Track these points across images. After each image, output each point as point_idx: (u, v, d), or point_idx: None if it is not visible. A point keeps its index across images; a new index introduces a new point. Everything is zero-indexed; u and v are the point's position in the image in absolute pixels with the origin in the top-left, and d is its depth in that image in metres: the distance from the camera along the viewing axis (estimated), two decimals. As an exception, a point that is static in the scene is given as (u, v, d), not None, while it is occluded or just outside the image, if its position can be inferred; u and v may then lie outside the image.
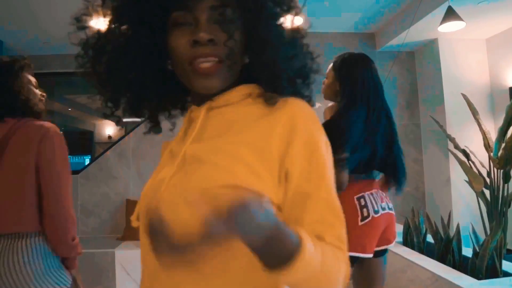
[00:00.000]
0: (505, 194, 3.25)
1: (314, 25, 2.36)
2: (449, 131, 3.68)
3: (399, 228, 2.21)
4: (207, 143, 0.61)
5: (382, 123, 1.65)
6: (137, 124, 3.76)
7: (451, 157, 3.68)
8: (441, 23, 2.76)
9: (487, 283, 2.01)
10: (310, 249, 0.48)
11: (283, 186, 0.58)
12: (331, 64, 1.80)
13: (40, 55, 3.91)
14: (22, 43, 3.60)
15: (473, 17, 3.35)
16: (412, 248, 2.80)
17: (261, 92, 0.65)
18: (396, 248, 2.78)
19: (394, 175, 1.70)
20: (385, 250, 1.72)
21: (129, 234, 3.45)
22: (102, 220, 3.70)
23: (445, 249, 2.49)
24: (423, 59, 4.22)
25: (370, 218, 1.56)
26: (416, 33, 3.73)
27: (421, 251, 2.72)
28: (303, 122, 0.59)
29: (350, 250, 1.20)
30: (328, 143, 0.62)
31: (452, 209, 3.61)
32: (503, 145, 3.30)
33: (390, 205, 1.68)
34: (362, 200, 1.57)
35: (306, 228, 0.53)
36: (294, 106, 0.61)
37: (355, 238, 1.50)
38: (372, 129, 1.60)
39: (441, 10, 3.03)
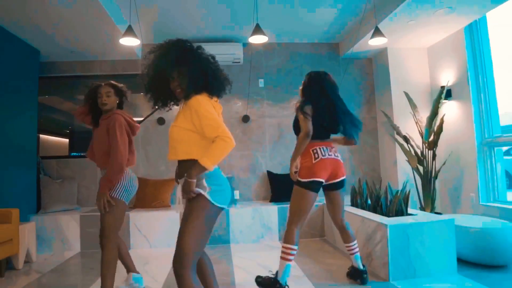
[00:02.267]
0: (434, 169, 4.19)
1: (289, 37, 3.64)
2: (395, 122, 4.63)
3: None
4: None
5: (322, 108, 2.58)
6: (144, 118, 4.68)
7: (397, 143, 4.61)
8: (371, 38, 3.71)
9: (391, 219, 2.93)
10: (203, 159, 1.59)
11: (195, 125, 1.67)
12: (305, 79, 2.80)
13: (67, 61, 4.84)
14: (54, 52, 4.50)
15: (409, 31, 4.30)
16: (357, 207, 3.71)
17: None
18: (346, 208, 3.69)
19: (345, 133, 2.66)
20: (339, 185, 2.62)
21: (138, 204, 4.34)
22: (117, 194, 4.60)
23: (376, 204, 3.40)
24: (377, 65, 5.17)
25: (319, 159, 2.51)
26: (370, 43, 4.67)
27: (363, 209, 3.63)
28: (194, 104, 1.66)
29: (310, 177, 2.24)
30: (202, 109, 1.66)
31: (398, 183, 4.55)
32: (433, 132, 4.25)
33: (337, 155, 2.62)
34: (315, 150, 2.54)
35: (208, 137, 1.64)
36: (192, 99, 1.69)
37: (312, 170, 2.49)
38: (317, 113, 2.56)
39: (381, 25, 3.95)
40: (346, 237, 2.69)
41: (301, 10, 4.19)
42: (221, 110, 1.83)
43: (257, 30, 3.33)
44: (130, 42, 3.46)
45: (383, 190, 3.46)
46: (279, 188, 4.61)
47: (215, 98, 1.77)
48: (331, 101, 2.64)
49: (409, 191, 3.25)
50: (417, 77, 4.88)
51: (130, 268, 2.66)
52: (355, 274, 2.71)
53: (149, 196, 4.35)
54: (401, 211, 3.08)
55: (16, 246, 3.22)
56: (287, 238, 2.49)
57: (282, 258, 2.48)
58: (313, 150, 2.53)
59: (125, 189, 2.35)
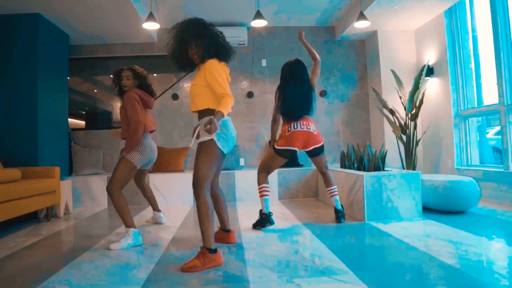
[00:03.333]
0: (415, 137, 4.76)
1: (290, 21, 4.37)
2: (383, 97, 5.18)
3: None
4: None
5: (290, 93, 3.17)
6: (161, 94, 5.29)
7: (384, 115, 5.17)
8: (356, 21, 4.26)
9: (369, 172, 3.52)
10: (220, 107, 2.13)
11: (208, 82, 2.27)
12: None
13: (91, 44, 5.45)
14: (79, 36, 5.11)
15: (395, 16, 4.81)
16: (345, 168, 4.31)
17: None
18: (336, 169, 4.30)
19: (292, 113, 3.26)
20: (314, 152, 3.21)
21: (156, 169, 5.00)
22: (137, 161, 5.26)
23: (360, 164, 4.00)
24: (369, 46, 5.69)
25: (291, 131, 3.10)
26: (356, 26, 5.20)
27: (350, 169, 4.22)
28: (208, 65, 2.26)
29: (283, 145, 2.89)
30: (213, 70, 2.25)
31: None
32: (415, 105, 4.80)
33: (309, 127, 3.20)
34: (288, 125, 3.14)
35: (216, 93, 2.23)
36: (207, 62, 2.29)
37: (287, 140, 3.08)
38: (286, 98, 3.15)
39: (369, 10, 4.48)
40: (327, 183, 3.30)
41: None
42: (228, 71, 2.41)
43: (258, 15, 3.89)
44: (151, 26, 4.06)
45: (366, 152, 4.05)
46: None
47: (223, 63, 2.35)
48: (298, 86, 3.20)
49: (386, 151, 3.84)
50: (404, 57, 5.40)
51: (155, 207, 3.37)
52: (334, 215, 3.34)
53: (165, 162, 5.00)
54: (379, 168, 3.68)
55: (58, 197, 3.90)
56: (259, 180, 3.22)
57: (260, 196, 3.19)
58: (288, 127, 3.15)
59: (139, 154, 2.91)
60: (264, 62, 5.61)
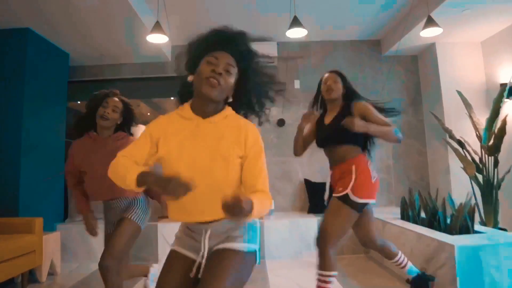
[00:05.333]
0: (496, 178, 3.67)
1: (326, 35, 3.18)
2: (447, 125, 4.14)
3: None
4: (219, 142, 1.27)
5: None
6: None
7: (450, 148, 4.12)
8: (423, 29, 3.28)
9: (456, 237, 2.49)
10: (256, 202, 1.09)
11: (244, 158, 1.27)
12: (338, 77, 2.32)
13: (97, 65, 4.73)
14: (83, 56, 4.39)
15: (463, 23, 3.84)
16: (408, 221, 3.27)
17: (232, 113, 1.35)
18: (395, 221, 3.28)
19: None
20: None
21: (167, 214, 4.11)
22: (145, 203, 4.39)
23: (432, 218, 2.96)
24: (424, 62, 4.70)
25: (376, 177, 2.17)
26: (416, 38, 4.24)
27: (416, 223, 3.19)
28: (252, 135, 1.28)
29: (369, 198, 2.02)
30: (261, 143, 1.31)
31: (452, 193, 4.04)
32: (494, 135, 3.74)
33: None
34: (370, 166, 2.19)
35: (258, 187, 1.23)
36: (249, 126, 1.31)
37: (373, 190, 2.11)
38: None
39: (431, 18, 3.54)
40: (389, 253, 2.29)
41: (341, 5, 3.85)
42: None
43: (295, 22, 3.01)
44: (157, 39, 3.24)
45: (440, 202, 3.01)
46: (318, 197, 4.22)
47: None
48: None
49: (475, 204, 2.79)
50: (469, 74, 4.37)
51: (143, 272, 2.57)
52: (418, 282, 2.32)
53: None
54: (466, 228, 2.63)
55: (39, 258, 3.04)
56: (324, 263, 2.02)
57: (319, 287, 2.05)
58: (369, 165, 2.17)
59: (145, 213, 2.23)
60: (297, 84, 4.70)
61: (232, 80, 1.28)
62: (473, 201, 2.86)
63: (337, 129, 2.11)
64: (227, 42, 1.30)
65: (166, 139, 1.27)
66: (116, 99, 2.20)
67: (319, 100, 2.37)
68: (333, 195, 2.10)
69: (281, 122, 4.60)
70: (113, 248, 2.01)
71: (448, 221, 2.84)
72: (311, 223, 3.82)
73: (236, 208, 0.99)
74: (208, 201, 1.20)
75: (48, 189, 3.85)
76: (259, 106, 1.39)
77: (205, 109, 1.29)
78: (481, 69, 4.39)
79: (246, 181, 1.25)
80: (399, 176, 4.63)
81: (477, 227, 2.77)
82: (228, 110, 1.33)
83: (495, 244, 2.31)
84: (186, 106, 1.34)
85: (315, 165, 4.50)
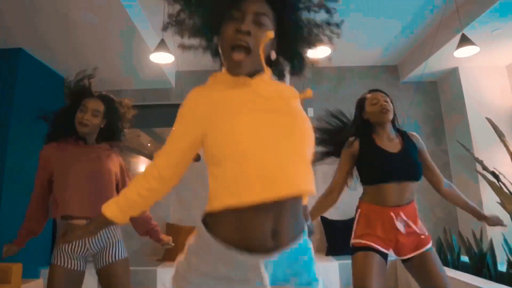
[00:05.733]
0: (539, 214, 3.25)
1: (342, 60, 2.75)
2: (476, 155, 3.76)
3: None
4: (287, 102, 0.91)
5: None
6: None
7: (481, 180, 3.72)
8: (457, 48, 2.98)
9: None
10: None
11: None
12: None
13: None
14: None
15: (490, 45, 3.57)
16: (446, 265, 2.83)
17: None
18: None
19: None
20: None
21: (168, 256, 3.63)
22: (143, 242, 3.91)
23: (479, 264, 2.53)
24: (446, 88, 4.40)
25: None
26: (437, 63, 3.97)
27: (456, 268, 2.75)
28: None
29: None
30: None
31: (487, 232, 3.60)
32: (533, 165, 3.36)
33: None
34: None
35: None
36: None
37: None
38: None
39: (456, 40, 3.26)
40: None
41: (356, 30, 3.60)
42: None
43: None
44: (162, 58, 2.92)
45: (487, 245, 2.58)
46: (337, 237, 3.78)
47: None
48: None
49: (535, 248, 2.36)
50: (497, 100, 4.05)
51: None
52: None
53: (182, 247, 3.63)
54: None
55: (16, 313, 2.56)
56: None
57: None
58: None
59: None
60: (311, 112, 4.37)
61: (265, 33, 0.89)
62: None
63: (414, 160, 1.74)
64: None
65: (223, 115, 0.85)
66: (95, 100, 1.82)
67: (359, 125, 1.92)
68: (426, 247, 1.68)
69: (293, 152, 4.24)
70: None
71: (503, 267, 2.41)
72: (332, 267, 3.35)
73: None
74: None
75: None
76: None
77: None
78: (509, 94, 4.08)
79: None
80: (425, 212, 4.19)
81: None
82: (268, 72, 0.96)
83: None
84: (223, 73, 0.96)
85: (332, 199, 4.07)
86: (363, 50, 4.17)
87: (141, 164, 7.63)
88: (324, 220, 3.96)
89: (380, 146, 1.76)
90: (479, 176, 3.74)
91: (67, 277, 1.66)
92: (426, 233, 1.69)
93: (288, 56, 1.02)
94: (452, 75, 4.24)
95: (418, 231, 1.66)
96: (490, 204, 3.68)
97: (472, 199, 3.95)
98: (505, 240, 2.54)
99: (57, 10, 2.72)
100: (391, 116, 1.80)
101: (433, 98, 4.54)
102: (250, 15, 0.89)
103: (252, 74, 0.92)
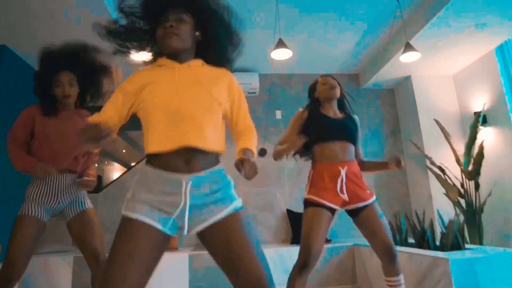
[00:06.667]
0: (478, 201, 3.66)
1: (306, 67, 3.21)
2: (426, 153, 4.19)
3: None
4: (204, 84, 1.27)
5: None
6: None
7: (431, 177, 4.14)
8: (402, 53, 3.42)
9: (449, 253, 2.39)
10: (253, 145, 1.34)
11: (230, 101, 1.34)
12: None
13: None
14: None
15: (436, 55, 4.04)
16: (396, 245, 3.15)
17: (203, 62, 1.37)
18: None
19: None
20: None
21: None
22: (118, 235, 4.07)
23: (421, 239, 2.87)
24: (401, 94, 4.87)
25: None
26: (392, 72, 4.44)
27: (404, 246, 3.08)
28: (235, 82, 1.37)
29: None
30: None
31: (435, 219, 3.98)
32: (472, 160, 3.80)
33: None
34: None
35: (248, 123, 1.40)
36: (230, 75, 1.36)
37: None
38: None
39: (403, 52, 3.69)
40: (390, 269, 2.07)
41: (320, 42, 4.02)
42: None
43: (280, 44, 3.06)
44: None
45: (428, 223, 2.94)
46: (300, 227, 4.06)
47: None
48: None
49: (463, 220, 2.73)
50: (444, 105, 4.55)
51: None
52: None
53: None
54: (457, 245, 2.54)
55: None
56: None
57: None
58: None
59: None
60: (279, 114, 4.72)
61: (187, 26, 1.28)
62: (461, 218, 2.80)
63: (350, 127, 2.09)
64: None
65: (147, 88, 1.24)
66: (65, 72, 2.00)
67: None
68: (372, 198, 1.98)
69: (262, 152, 4.53)
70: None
71: (437, 242, 2.76)
72: (295, 254, 3.61)
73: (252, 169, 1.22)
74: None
75: (8, 217, 3.52)
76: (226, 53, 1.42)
77: (180, 61, 1.31)
78: (455, 100, 4.58)
79: (237, 120, 1.38)
80: (382, 207, 4.54)
81: (467, 245, 2.69)
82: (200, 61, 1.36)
83: (489, 256, 2.23)
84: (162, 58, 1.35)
85: (298, 195, 4.38)
86: (328, 59, 4.57)
87: (116, 172, 7.63)
88: (290, 213, 4.25)
89: (325, 113, 2.09)
90: (429, 172, 4.16)
91: (34, 225, 1.78)
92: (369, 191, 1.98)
93: (213, 49, 1.39)
94: (405, 84, 4.71)
95: (362, 185, 1.96)
96: (438, 195, 4.10)
97: (423, 191, 4.39)
98: (440, 216, 2.90)
99: (43, 8, 2.94)
100: (338, 93, 2.13)
101: (390, 103, 4.99)
102: (172, 18, 1.27)
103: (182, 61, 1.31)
